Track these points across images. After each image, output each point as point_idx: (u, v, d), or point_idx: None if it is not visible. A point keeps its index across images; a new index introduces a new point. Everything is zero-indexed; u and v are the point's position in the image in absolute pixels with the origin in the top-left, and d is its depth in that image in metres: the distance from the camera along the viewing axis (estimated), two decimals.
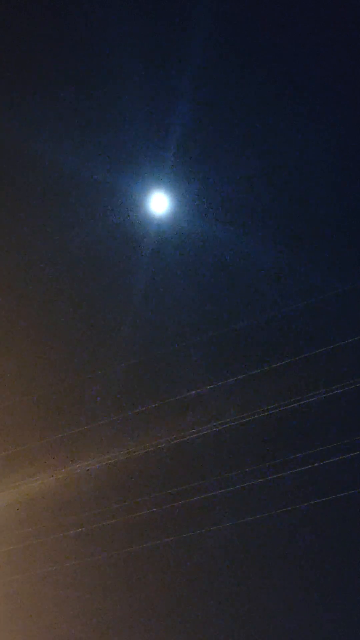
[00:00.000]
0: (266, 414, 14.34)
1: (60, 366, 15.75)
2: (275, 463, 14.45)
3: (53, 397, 15.68)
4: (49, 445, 15.82)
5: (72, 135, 14.11)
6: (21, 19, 13.90)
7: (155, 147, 13.82)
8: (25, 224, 15.08)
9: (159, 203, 14.14)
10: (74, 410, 15.71)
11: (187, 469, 15.36)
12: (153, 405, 15.04)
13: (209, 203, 14.06)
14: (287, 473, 14.38)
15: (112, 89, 13.90)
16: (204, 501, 15.03)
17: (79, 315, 15.50)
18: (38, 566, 16.50)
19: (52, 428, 15.86)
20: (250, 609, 15.61)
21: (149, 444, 15.12)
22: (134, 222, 14.30)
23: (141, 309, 15.01)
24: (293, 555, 15.42)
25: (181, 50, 13.38)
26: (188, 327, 14.88)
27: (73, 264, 15.06)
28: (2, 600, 16.85)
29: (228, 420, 14.59)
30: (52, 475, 15.80)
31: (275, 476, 14.47)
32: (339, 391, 13.84)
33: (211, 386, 14.63)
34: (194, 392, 14.76)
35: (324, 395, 13.92)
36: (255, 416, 14.40)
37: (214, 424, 14.69)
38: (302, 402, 14.08)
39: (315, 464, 14.16)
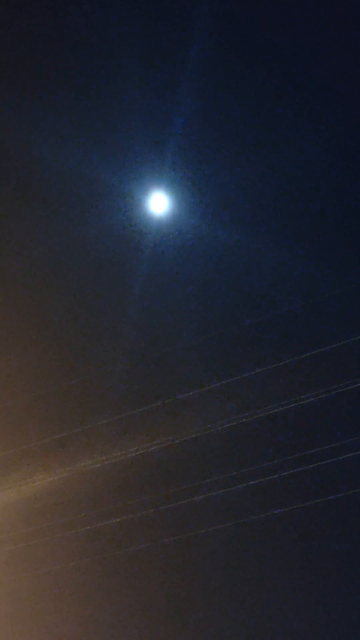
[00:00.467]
0: (266, 414, 14.34)
1: (60, 366, 15.76)
2: (275, 463, 14.45)
3: (53, 397, 15.69)
4: (49, 445, 15.83)
5: (72, 135, 14.11)
6: (21, 19, 13.90)
7: (155, 147, 13.83)
8: (25, 224, 15.08)
9: (159, 203, 14.15)
10: (74, 410, 15.72)
11: (187, 469, 15.37)
12: (153, 405, 15.05)
13: (209, 203, 14.07)
14: (287, 473, 14.38)
15: (112, 88, 13.90)
16: (204, 501, 15.04)
17: (79, 315, 15.51)
18: (38, 566, 16.50)
19: (52, 428, 15.86)
20: (250, 609, 15.62)
21: (149, 444, 15.12)
22: (133, 222, 14.30)
23: (141, 309, 15.02)
24: (293, 556, 15.42)
25: (181, 50, 13.38)
26: (188, 327, 14.89)
27: (73, 264, 15.06)
28: (2, 600, 16.85)
29: (228, 420, 14.59)
30: (52, 475, 15.80)
31: (275, 476, 14.47)
32: (339, 391, 13.84)
33: (211, 386, 14.63)
34: (194, 392, 14.75)
35: (324, 396, 13.91)
36: (255, 416, 14.40)
37: (214, 424, 14.69)
38: (302, 402, 14.08)
39: (316, 464, 14.16)
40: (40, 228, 15.02)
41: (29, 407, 15.88)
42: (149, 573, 16.15)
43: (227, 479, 14.79)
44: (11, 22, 13.94)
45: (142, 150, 13.92)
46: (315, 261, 14.14)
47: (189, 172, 13.96)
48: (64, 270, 15.18)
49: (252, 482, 14.60)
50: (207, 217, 14.08)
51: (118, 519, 15.63)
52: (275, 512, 14.66)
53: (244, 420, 14.49)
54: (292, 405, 14.15)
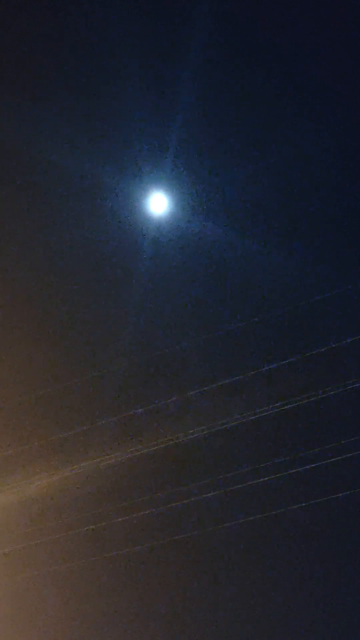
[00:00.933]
0: (266, 414, 14.34)
1: (60, 366, 15.75)
2: (275, 463, 14.45)
3: (53, 397, 15.68)
4: (49, 445, 15.82)
5: (72, 135, 14.11)
6: (21, 19, 13.90)
7: (155, 147, 13.82)
8: (24, 224, 15.08)
9: (159, 203, 14.14)
10: (74, 410, 15.71)
11: (187, 469, 15.36)
12: (153, 405, 15.04)
13: (209, 203, 14.07)
14: (287, 473, 14.38)
15: (112, 88, 13.90)
16: (204, 501, 15.03)
17: (78, 315, 15.51)
18: (38, 566, 16.50)
19: (52, 428, 15.86)
20: (250, 608, 15.62)
21: (149, 444, 15.12)
22: (133, 222, 14.30)
23: (141, 309, 15.02)
24: (293, 556, 15.42)
25: (181, 50, 13.38)
26: (188, 327, 14.88)
27: (73, 264, 15.06)
28: (3, 600, 16.84)
29: (228, 420, 14.59)
30: (52, 476, 15.80)
31: (275, 476, 14.47)
32: (339, 391, 13.84)
33: (211, 386, 14.62)
34: (194, 392, 14.75)
35: (324, 395, 13.92)
36: (255, 416, 14.40)
37: (214, 424, 14.69)
38: (302, 402, 14.08)
39: (315, 464, 14.16)
40: (40, 228, 15.02)
41: (29, 407, 15.87)
42: (149, 573, 16.16)
43: (227, 479, 14.79)
44: (11, 22, 13.93)
45: (142, 150, 13.92)
46: (315, 261, 14.14)
47: (189, 172, 13.97)
48: (63, 270, 15.17)
49: (252, 482, 14.60)
50: (207, 217, 14.09)
51: (118, 519, 15.63)
52: (275, 512, 14.66)
53: (244, 420, 14.49)
54: (292, 405, 14.15)
